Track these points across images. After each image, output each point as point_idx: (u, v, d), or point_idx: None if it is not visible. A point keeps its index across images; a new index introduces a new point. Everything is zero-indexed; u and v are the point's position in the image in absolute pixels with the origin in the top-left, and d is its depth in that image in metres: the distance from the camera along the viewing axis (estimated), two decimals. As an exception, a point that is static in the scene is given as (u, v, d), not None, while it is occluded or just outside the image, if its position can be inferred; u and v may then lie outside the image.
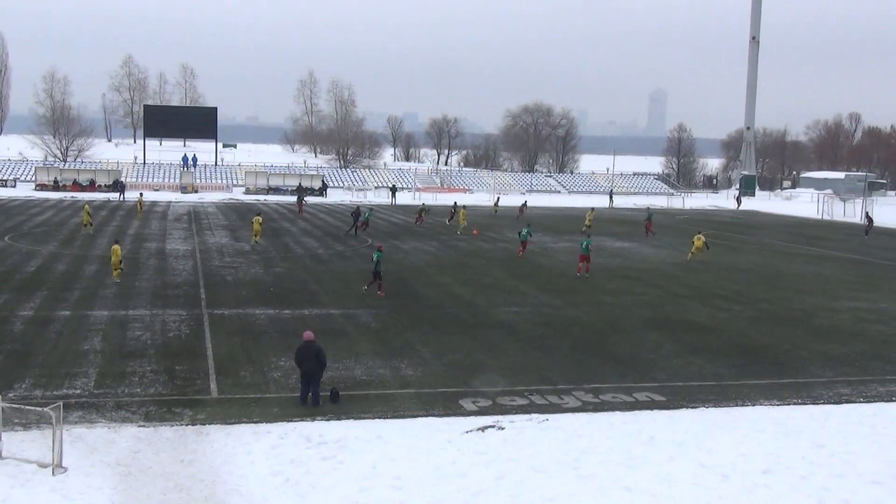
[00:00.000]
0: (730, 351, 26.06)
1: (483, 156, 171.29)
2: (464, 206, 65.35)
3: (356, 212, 57.22)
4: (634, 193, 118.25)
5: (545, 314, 30.70)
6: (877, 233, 68.68)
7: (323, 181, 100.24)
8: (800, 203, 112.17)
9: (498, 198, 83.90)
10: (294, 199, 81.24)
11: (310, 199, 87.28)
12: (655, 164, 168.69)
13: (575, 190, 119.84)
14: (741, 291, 37.49)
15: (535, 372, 22.76)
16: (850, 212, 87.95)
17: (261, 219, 50.51)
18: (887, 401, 21.53)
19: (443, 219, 67.31)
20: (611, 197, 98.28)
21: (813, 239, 63.11)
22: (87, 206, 56.66)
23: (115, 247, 36.02)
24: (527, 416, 19.16)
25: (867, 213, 68.84)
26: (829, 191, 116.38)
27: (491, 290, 35.53)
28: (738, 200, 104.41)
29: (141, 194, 78.66)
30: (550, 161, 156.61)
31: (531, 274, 40.61)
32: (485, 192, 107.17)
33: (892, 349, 27.15)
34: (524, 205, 77.66)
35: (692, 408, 20.31)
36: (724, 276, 42.00)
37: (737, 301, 35.03)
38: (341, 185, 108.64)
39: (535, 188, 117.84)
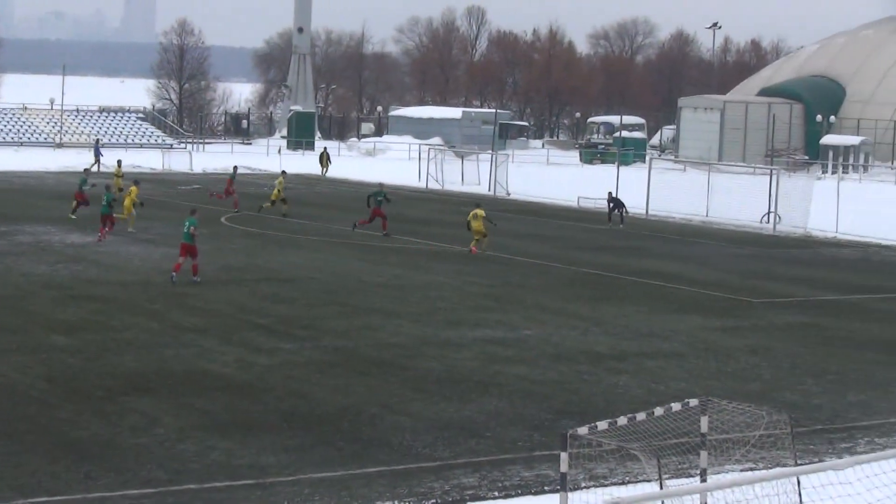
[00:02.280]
0: (279, 423, 26.96)
1: None
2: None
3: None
4: (117, 145, 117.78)
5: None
6: (504, 208, 74.46)
7: None
8: (391, 161, 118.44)
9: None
10: None
11: None
12: (139, 92, 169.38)
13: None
14: (294, 317, 39.08)
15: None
16: (471, 175, 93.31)
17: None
18: (534, 493, 23.03)
19: None
20: (97, 153, 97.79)
21: (415, 224, 66.56)
22: None
23: None
24: None
25: (610, 192, 70.71)
26: (436, 139, 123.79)
27: None
28: (324, 161, 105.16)
29: None
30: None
31: None
32: None
33: (541, 405, 29.45)
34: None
35: (215, 528, 20.82)
36: (264, 292, 43.53)
37: (288, 335, 36.43)
38: None
39: None
